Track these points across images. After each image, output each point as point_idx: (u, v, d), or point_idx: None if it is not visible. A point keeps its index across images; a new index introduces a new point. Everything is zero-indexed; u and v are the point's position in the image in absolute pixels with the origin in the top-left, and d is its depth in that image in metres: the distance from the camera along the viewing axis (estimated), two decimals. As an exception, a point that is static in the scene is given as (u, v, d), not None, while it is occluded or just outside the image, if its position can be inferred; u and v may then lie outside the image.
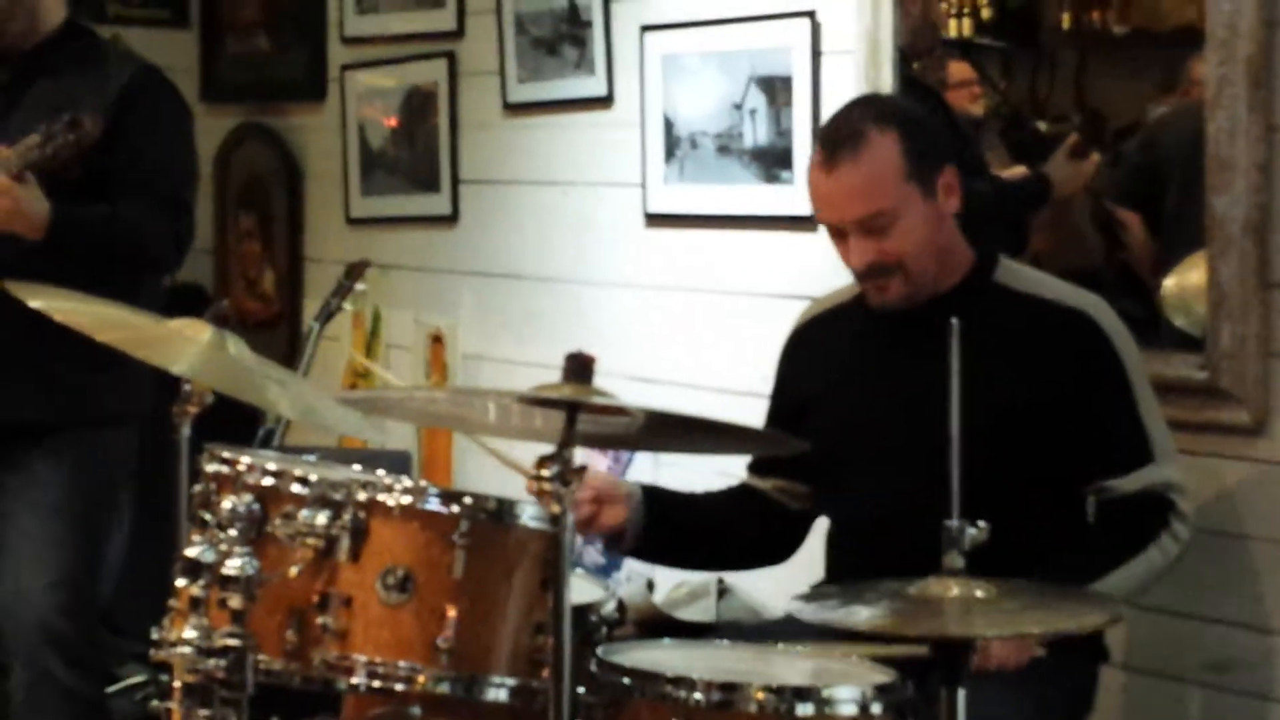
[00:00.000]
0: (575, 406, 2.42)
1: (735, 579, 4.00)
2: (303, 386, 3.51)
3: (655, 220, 4.45)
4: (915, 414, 2.95)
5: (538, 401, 2.48)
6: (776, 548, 3.37)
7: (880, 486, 3.11)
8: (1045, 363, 3.04)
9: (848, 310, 3.29)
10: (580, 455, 2.49)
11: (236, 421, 4.27)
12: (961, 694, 2.37)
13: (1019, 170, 4.25)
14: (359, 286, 5.05)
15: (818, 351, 3.32)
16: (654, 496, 3.21)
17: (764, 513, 3.32)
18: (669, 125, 4.36)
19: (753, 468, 3.37)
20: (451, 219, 5.15)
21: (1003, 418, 2.98)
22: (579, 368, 2.45)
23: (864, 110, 3.11)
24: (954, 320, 2.47)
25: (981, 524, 2.42)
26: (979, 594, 2.39)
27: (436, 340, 5.20)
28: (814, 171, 3.08)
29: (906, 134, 3.05)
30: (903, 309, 3.09)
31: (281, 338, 5.80)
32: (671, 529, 3.23)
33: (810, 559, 3.34)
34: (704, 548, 3.35)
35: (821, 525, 3.33)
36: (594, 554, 4.59)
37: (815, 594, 2.72)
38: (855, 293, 3.29)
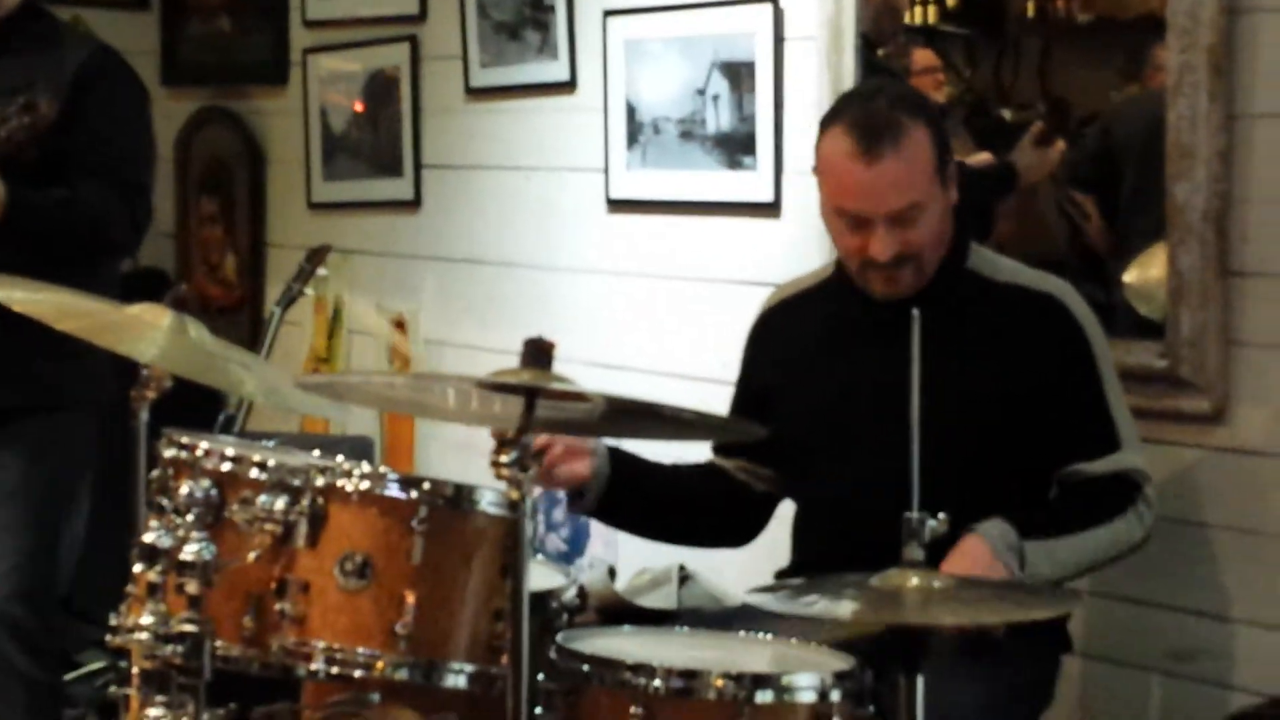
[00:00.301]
0: (533, 392, 2.41)
1: (698, 566, 4.00)
2: (266, 368, 3.50)
3: (618, 206, 4.44)
4: (884, 401, 2.94)
5: (496, 387, 2.47)
6: (738, 529, 3.36)
7: (848, 474, 3.10)
8: (1016, 348, 3.05)
9: (815, 295, 3.29)
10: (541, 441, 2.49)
11: (197, 407, 4.25)
12: (920, 681, 2.37)
13: (984, 157, 4.24)
14: (320, 271, 5.03)
15: (784, 336, 3.31)
16: (620, 458, 3.19)
17: (728, 492, 3.31)
18: (632, 110, 4.35)
19: (717, 449, 3.36)
20: (414, 204, 5.13)
21: (975, 404, 3.00)
22: (537, 353, 2.44)
23: (894, 100, 3.08)
24: (914, 311, 2.47)
25: (942, 516, 2.42)
26: (937, 584, 2.39)
27: (399, 325, 5.18)
28: (848, 162, 3.02)
29: (934, 126, 3.06)
30: (905, 295, 3.06)
31: (243, 323, 5.77)
32: (635, 493, 3.21)
33: (773, 546, 3.33)
34: (665, 518, 3.33)
35: (786, 511, 3.32)
36: (556, 541, 4.59)
37: (775, 584, 2.72)
38: (822, 278, 3.28)
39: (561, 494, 3.19)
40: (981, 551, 2.86)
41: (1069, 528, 2.95)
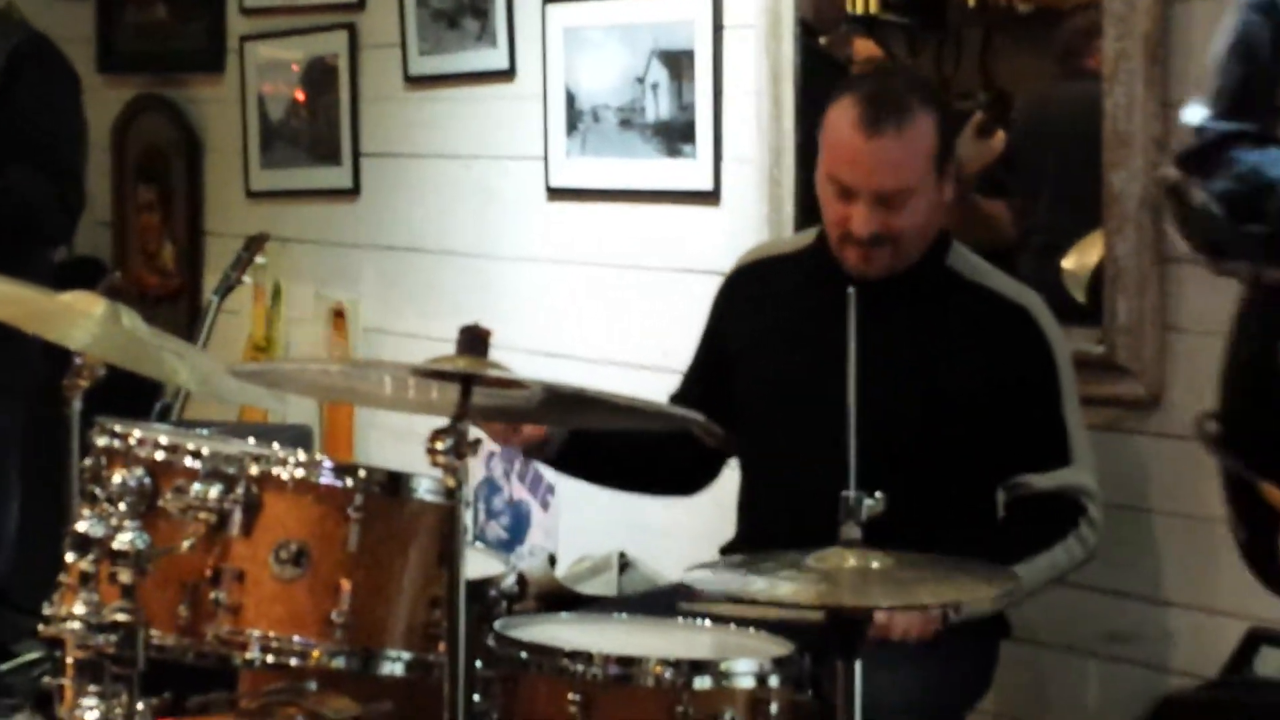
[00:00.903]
0: (469, 379, 2.40)
1: (638, 552, 4.00)
2: (201, 357, 3.48)
3: (557, 194, 4.43)
4: (834, 379, 2.95)
5: (432, 374, 2.46)
6: (690, 478, 3.37)
7: (794, 448, 3.11)
8: (983, 351, 3.06)
9: (789, 261, 3.29)
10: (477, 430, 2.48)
11: (135, 396, 4.22)
12: (858, 666, 2.37)
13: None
14: (259, 260, 5.00)
15: (750, 300, 3.31)
16: (578, 436, 3.18)
17: (682, 441, 3.28)
18: (571, 99, 4.34)
19: (675, 399, 3.35)
20: (353, 192, 5.11)
21: (933, 398, 3.01)
22: (474, 340, 2.43)
23: (909, 84, 3.12)
24: (850, 289, 2.47)
25: (879, 495, 2.42)
26: (875, 565, 2.40)
27: (338, 314, 5.16)
28: (849, 130, 3.02)
29: (942, 119, 3.06)
30: (877, 277, 3.07)
31: (181, 311, 5.74)
32: (592, 443, 3.20)
33: (715, 534, 3.33)
34: (622, 463, 3.32)
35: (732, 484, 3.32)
36: (497, 529, 4.59)
37: (711, 563, 2.71)
38: (801, 245, 3.28)
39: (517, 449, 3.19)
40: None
41: (1010, 558, 2.92)
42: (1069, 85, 4.12)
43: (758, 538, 3.14)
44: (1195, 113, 2.49)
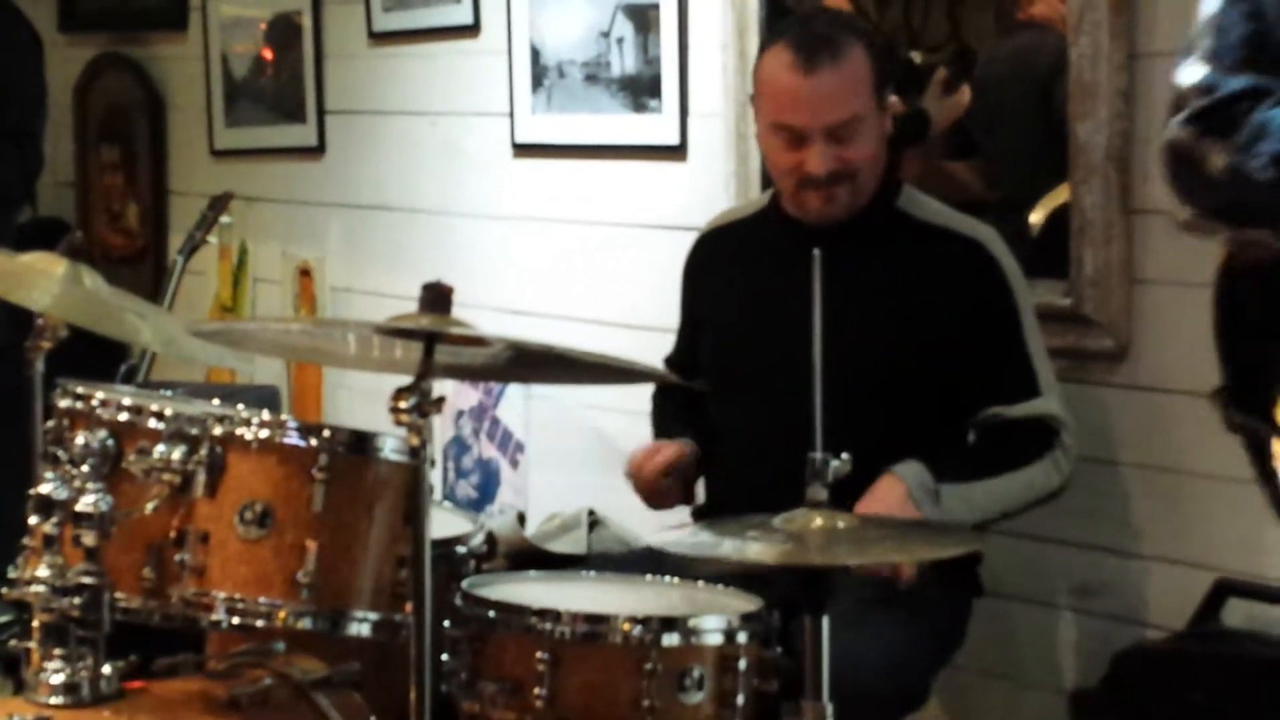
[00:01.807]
0: (432, 337, 2.38)
1: (607, 510, 3.99)
2: (164, 318, 3.45)
3: (523, 150, 4.41)
4: (795, 338, 2.94)
5: (394, 332, 2.44)
6: None
7: (757, 411, 3.11)
8: (939, 290, 3.06)
9: (745, 225, 3.31)
10: (450, 387, 2.46)
11: (100, 358, 4.19)
12: (825, 623, 2.37)
13: (892, 100, 4.24)
14: (224, 219, 4.96)
15: (712, 266, 3.34)
16: (692, 437, 3.21)
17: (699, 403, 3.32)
18: (536, 54, 4.31)
19: (667, 363, 3.39)
20: (318, 150, 5.08)
21: (890, 344, 3.01)
22: (436, 298, 2.40)
23: (832, 20, 3.16)
24: (815, 251, 2.46)
25: (845, 456, 2.42)
26: (841, 524, 2.39)
27: (305, 273, 5.14)
28: (786, 73, 3.04)
29: (873, 50, 3.09)
30: (836, 217, 3.09)
31: (146, 272, 5.71)
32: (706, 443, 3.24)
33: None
34: None
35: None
36: (466, 488, 4.58)
37: (679, 525, 2.71)
38: (757, 208, 3.30)
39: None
40: (896, 493, 2.87)
41: (986, 471, 2.96)
42: (1012, 38, 4.12)
43: (727, 499, 3.14)
44: (1194, 71, 2.37)
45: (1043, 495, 3.04)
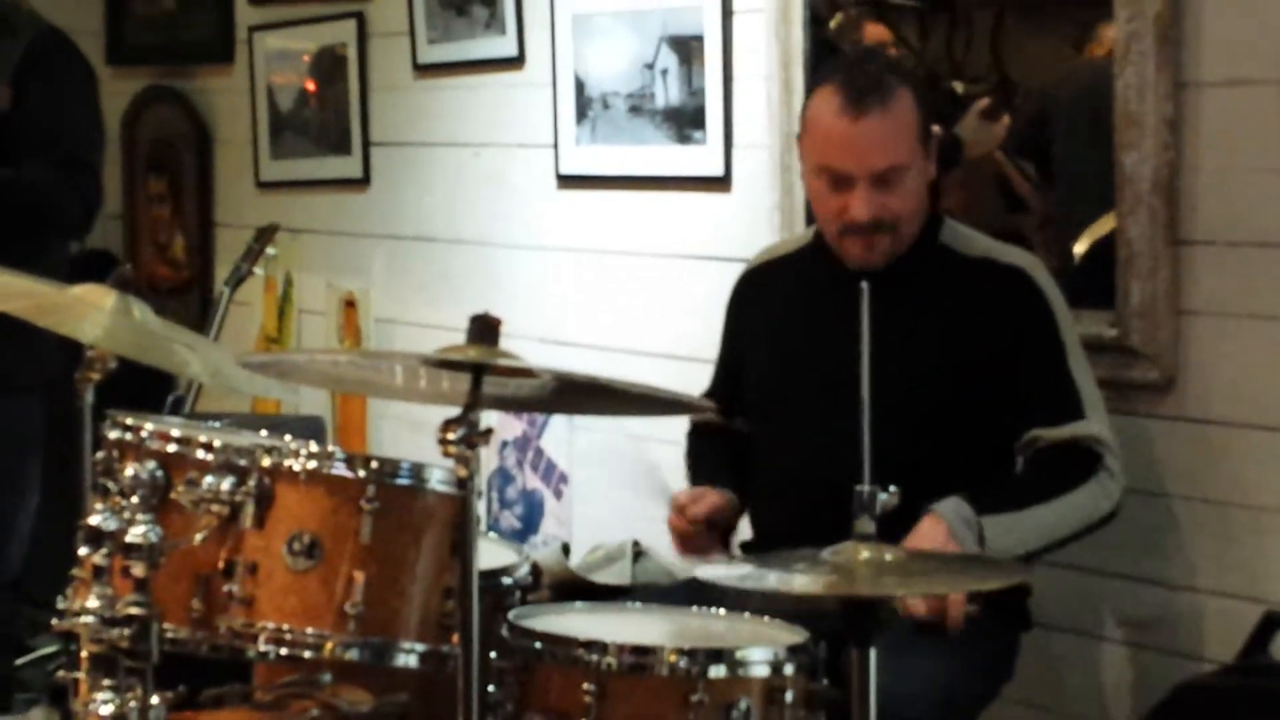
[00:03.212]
0: (480, 368, 2.39)
1: (652, 541, 3.99)
2: (212, 349, 3.47)
3: (567, 181, 4.42)
4: (841, 374, 2.94)
5: (442, 364, 2.45)
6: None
7: (803, 445, 3.11)
8: (982, 319, 3.06)
9: (789, 262, 3.31)
10: (494, 418, 2.47)
11: (148, 389, 4.22)
12: (873, 655, 2.36)
13: (934, 129, 4.24)
14: (269, 251, 4.99)
15: (756, 302, 3.34)
16: (733, 488, 3.20)
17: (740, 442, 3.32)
18: (580, 86, 4.33)
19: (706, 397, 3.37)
20: (363, 182, 5.10)
21: (933, 378, 3.01)
22: (484, 329, 2.41)
23: (883, 64, 3.14)
24: (863, 284, 2.46)
25: (893, 489, 2.41)
26: (889, 557, 2.39)
27: (349, 305, 5.16)
28: (834, 117, 3.04)
29: (920, 95, 3.08)
30: (880, 265, 3.08)
31: (193, 303, 5.74)
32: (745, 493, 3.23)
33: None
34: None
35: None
36: (510, 519, 4.58)
37: (726, 560, 2.71)
38: (800, 244, 3.30)
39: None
40: (938, 531, 2.86)
41: (1029, 500, 2.94)
42: (1075, 69, 4.10)
43: (772, 532, 3.14)
44: None
45: (1094, 521, 3.00)
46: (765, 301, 3.32)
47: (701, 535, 3.12)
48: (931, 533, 2.85)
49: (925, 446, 2.96)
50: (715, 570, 2.52)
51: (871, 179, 3.02)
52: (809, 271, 3.23)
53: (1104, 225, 3.44)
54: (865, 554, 2.38)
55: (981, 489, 2.93)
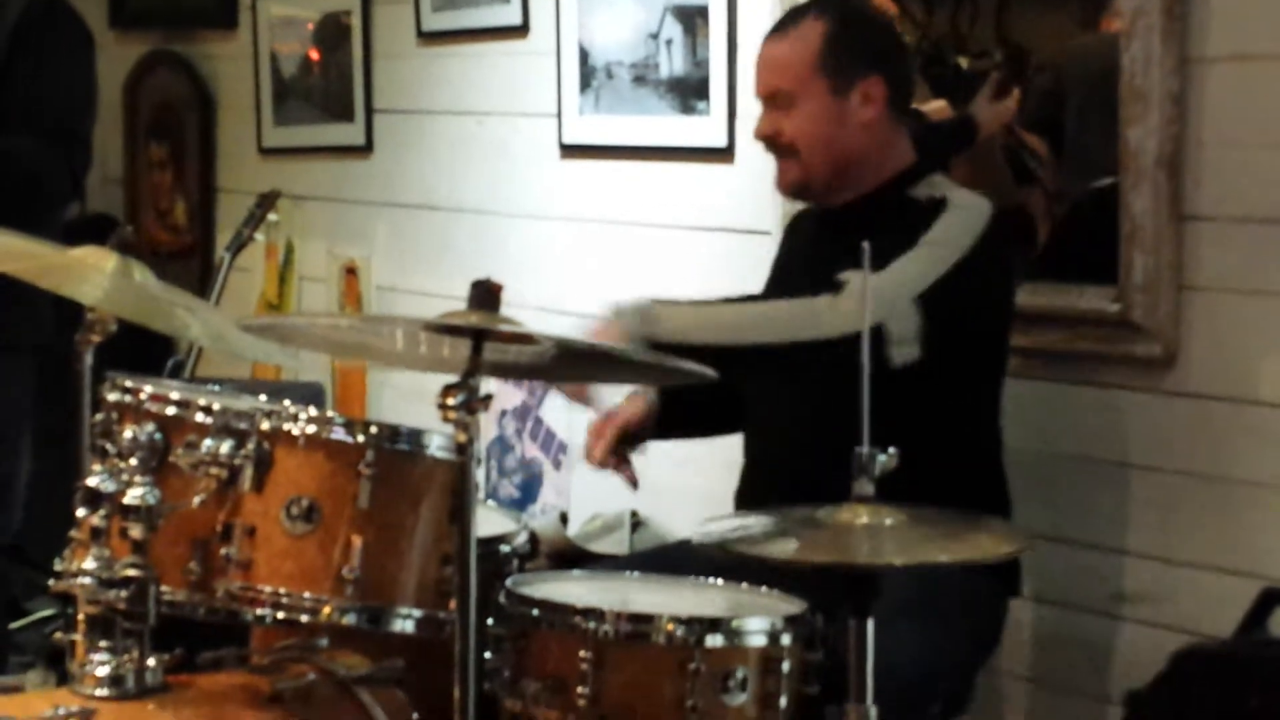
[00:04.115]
0: (481, 334, 2.39)
1: (650, 511, 3.99)
2: (213, 313, 3.46)
3: (570, 151, 4.41)
4: None
5: (443, 329, 2.44)
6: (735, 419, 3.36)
7: (777, 397, 3.12)
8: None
9: (809, 215, 3.34)
10: (494, 386, 2.47)
11: (145, 352, 4.21)
12: (870, 624, 2.36)
13: (938, 105, 4.23)
14: (271, 217, 4.99)
15: (785, 245, 3.41)
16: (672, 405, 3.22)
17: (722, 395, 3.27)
18: (584, 55, 4.31)
19: None
20: (365, 149, 5.09)
21: None
22: (485, 295, 2.41)
23: (816, 2, 3.19)
24: (865, 244, 2.45)
25: (892, 450, 2.41)
26: (888, 521, 2.38)
27: (350, 272, 5.15)
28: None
29: (838, 31, 3.10)
30: (796, 195, 3.20)
31: (193, 269, 5.73)
32: (684, 403, 3.25)
33: (725, 492, 3.32)
34: (712, 410, 3.33)
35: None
36: (509, 487, 4.58)
37: (721, 521, 2.70)
38: None
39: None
40: (607, 325, 2.91)
41: (726, 301, 3.00)
42: (1085, 42, 4.09)
43: (758, 495, 3.14)
44: None
45: (807, 329, 2.88)
46: (782, 252, 3.39)
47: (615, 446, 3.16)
48: (601, 329, 2.89)
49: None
50: (709, 533, 2.52)
51: (765, 99, 3.15)
52: (807, 225, 3.30)
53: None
54: (864, 518, 2.39)
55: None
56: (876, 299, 2.70)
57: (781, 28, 3.17)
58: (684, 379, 3.17)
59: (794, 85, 3.10)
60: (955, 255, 2.98)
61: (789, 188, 3.20)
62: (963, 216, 3.04)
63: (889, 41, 3.23)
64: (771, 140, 3.15)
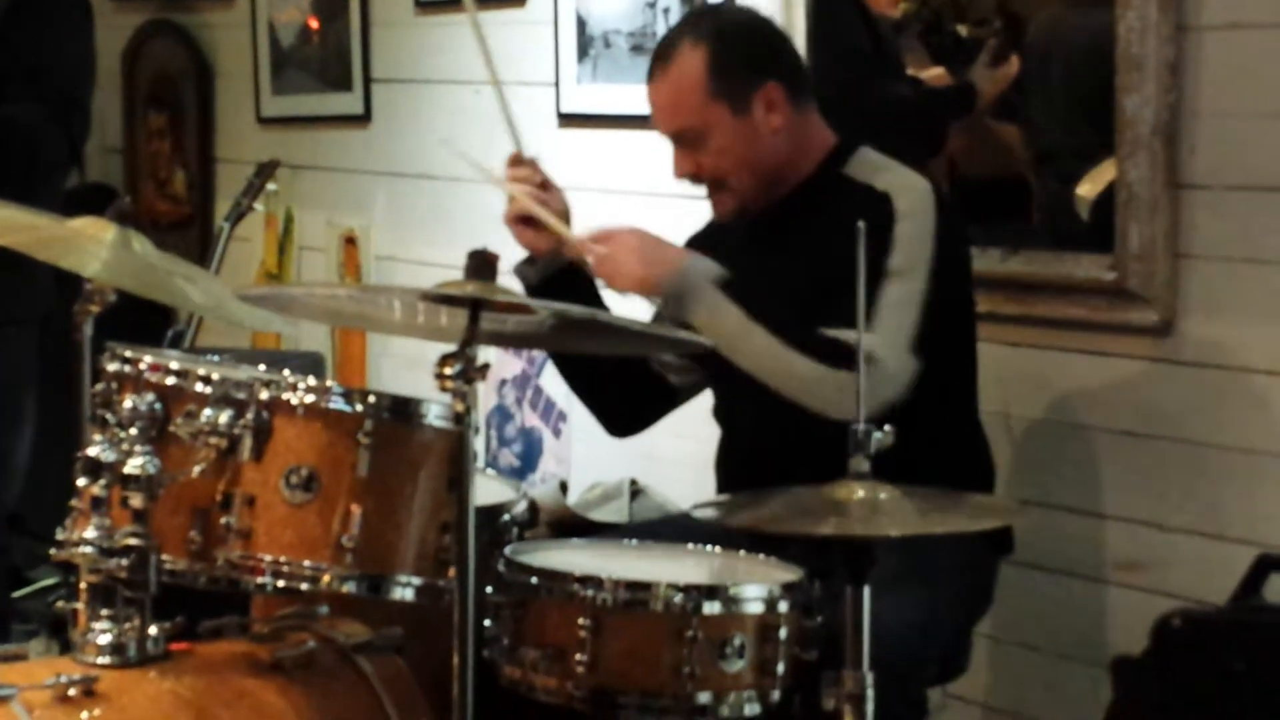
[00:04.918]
0: (478, 304, 2.40)
1: (650, 479, 4.00)
2: (212, 282, 3.46)
3: (568, 120, 4.41)
4: None
5: (440, 299, 2.45)
6: (628, 414, 3.32)
7: (741, 395, 3.10)
8: (837, 242, 2.73)
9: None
10: (493, 355, 2.47)
11: (147, 323, 4.22)
12: (866, 592, 2.38)
13: (937, 72, 4.23)
14: (270, 187, 4.99)
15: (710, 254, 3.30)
16: (577, 278, 3.15)
17: (640, 374, 3.27)
18: (582, 24, 4.31)
19: None
20: (364, 118, 5.10)
21: (802, 306, 2.93)
22: (482, 265, 2.42)
23: (685, 25, 3.16)
24: (860, 224, 2.45)
25: (888, 428, 2.42)
26: (883, 496, 2.40)
27: (349, 242, 5.16)
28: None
29: (718, 51, 3.03)
30: (737, 220, 3.10)
31: (192, 239, 5.74)
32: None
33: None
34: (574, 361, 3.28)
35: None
36: (509, 456, 4.59)
37: (720, 498, 2.72)
38: None
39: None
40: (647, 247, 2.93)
41: (771, 325, 2.88)
42: (1081, 10, 4.08)
43: (735, 487, 3.14)
44: None
45: (800, 393, 2.87)
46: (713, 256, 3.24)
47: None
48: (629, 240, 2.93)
49: None
50: (708, 507, 2.54)
51: (674, 139, 3.08)
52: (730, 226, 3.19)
53: (1105, 170, 3.44)
54: (860, 493, 2.40)
55: (763, 300, 2.90)
56: (883, 375, 2.79)
57: (661, 64, 3.07)
58: (676, 351, 3.18)
59: (695, 121, 3.04)
60: (924, 276, 2.95)
61: (728, 217, 3.12)
62: (915, 225, 2.98)
63: (768, 42, 3.15)
64: (695, 177, 3.09)
